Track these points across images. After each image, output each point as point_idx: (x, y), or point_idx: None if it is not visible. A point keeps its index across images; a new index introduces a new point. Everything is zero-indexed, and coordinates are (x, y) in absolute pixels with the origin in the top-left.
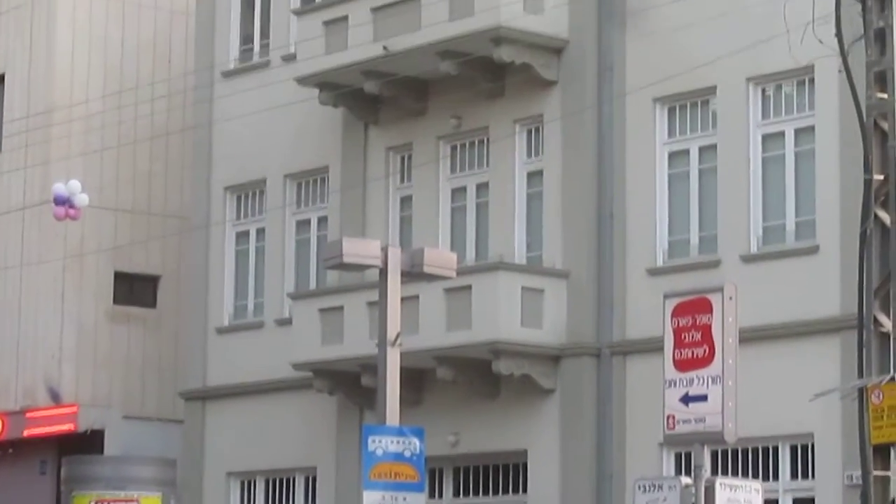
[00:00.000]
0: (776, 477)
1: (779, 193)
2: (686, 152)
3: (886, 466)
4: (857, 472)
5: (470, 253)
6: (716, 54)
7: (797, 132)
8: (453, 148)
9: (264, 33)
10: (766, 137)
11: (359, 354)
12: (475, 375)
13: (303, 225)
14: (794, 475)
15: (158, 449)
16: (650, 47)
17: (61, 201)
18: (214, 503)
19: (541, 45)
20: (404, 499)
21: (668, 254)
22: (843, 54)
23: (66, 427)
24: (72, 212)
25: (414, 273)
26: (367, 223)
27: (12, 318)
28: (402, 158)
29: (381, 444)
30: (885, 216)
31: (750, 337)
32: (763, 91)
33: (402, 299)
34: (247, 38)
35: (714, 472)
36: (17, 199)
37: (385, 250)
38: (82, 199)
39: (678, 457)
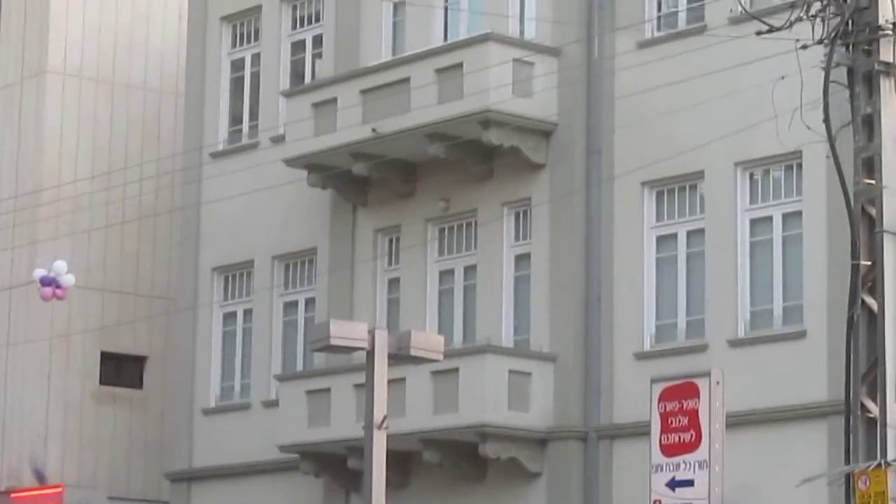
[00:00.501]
0: None
1: (766, 278)
2: (674, 236)
3: None
4: None
5: (457, 336)
6: (704, 139)
7: (785, 217)
8: (441, 230)
9: (253, 115)
10: (753, 222)
11: (345, 437)
12: (462, 458)
13: (290, 306)
14: None
15: None
16: (638, 131)
17: (47, 282)
18: None
19: (529, 129)
20: None
21: (655, 338)
22: (831, 140)
23: None
24: (58, 292)
25: (401, 356)
26: (355, 305)
27: None
28: (390, 240)
29: None
30: (872, 302)
31: (737, 422)
32: (751, 176)
33: (389, 382)
34: (236, 119)
35: None
36: (3, 278)
37: (372, 332)
38: (68, 279)
39: None
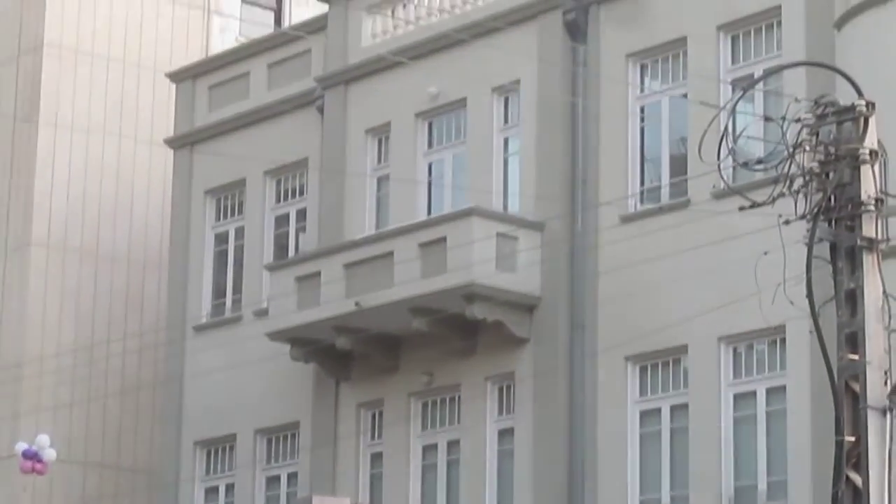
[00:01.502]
0: None
1: (750, 453)
2: (657, 411)
3: None
4: None
5: None
6: (687, 313)
7: (769, 392)
8: (424, 405)
9: (237, 288)
10: (737, 397)
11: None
12: None
13: (273, 481)
14: None
15: None
16: (622, 306)
17: (29, 455)
18: None
19: (513, 303)
20: None
21: None
22: (815, 315)
23: None
24: (38, 466)
25: None
26: (337, 479)
27: None
28: (373, 415)
29: None
30: (856, 478)
31: None
32: (734, 350)
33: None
34: (219, 292)
35: None
36: None
37: None
38: (50, 453)
39: None
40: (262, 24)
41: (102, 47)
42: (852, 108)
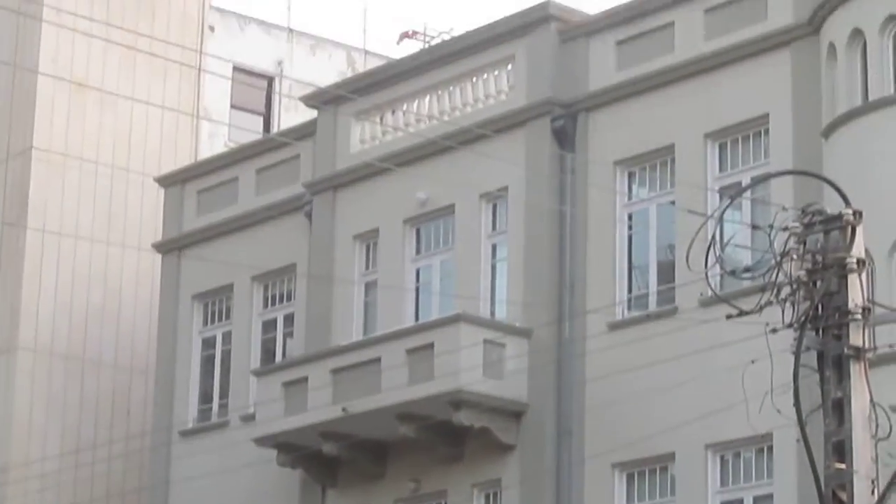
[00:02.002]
0: None
1: None
2: None
3: None
4: None
5: None
6: (675, 421)
7: (756, 500)
8: None
9: (223, 393)
10: None
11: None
12: None
13: None
14: None
15: None
16: (609, 413)
17: None
18: None
19: (500, 410)
20: None
21: None
22: (802, 424)
23: None
24: None
25: None
26: None
27: None
28: None
29: None
30: None
31: None
32: (722, 458)
33: None
34: (206, 397)
35: None
36: None
37: None
38: None
39: None
40: (250, 130)
41: (91, 152)
42: (839, 216)
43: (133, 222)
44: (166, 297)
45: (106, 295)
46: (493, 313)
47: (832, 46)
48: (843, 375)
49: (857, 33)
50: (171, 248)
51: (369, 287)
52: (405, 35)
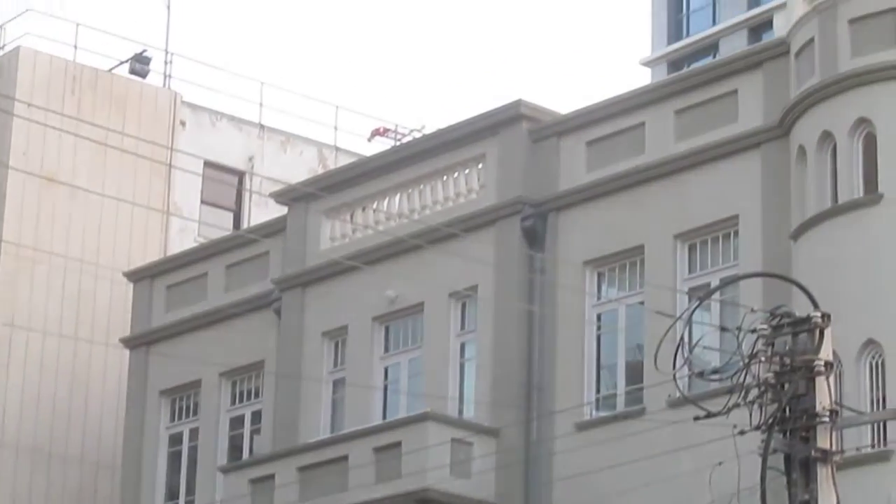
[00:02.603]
0: None
1: None
2: None
3: None
4: None
5: None
6: None
7: None
8: None
9: (190, 489)
10: None
11: None
12: None
13: None
14: None
15: None
16: None
17: None
18: None
19: None
20: None
21: None
22: None
23: None
24: None
25: None
26: None
27: None
28: None
29: None
30: None
31: None
32: None
33: None
34: (172, 493)
35: None
36: None
37: None
38: None
39: None
40: (219, 227)
41: (60, 246)
42: (808, 319)
43: (102, 317)
44: (133, 392)
45: (73, 389)
46: (461, 412)
47: (802, 149)
48: (810, 478)
49: (827, 136)
50: (139, 343)
51: (337, 384)
52: (377, 132)
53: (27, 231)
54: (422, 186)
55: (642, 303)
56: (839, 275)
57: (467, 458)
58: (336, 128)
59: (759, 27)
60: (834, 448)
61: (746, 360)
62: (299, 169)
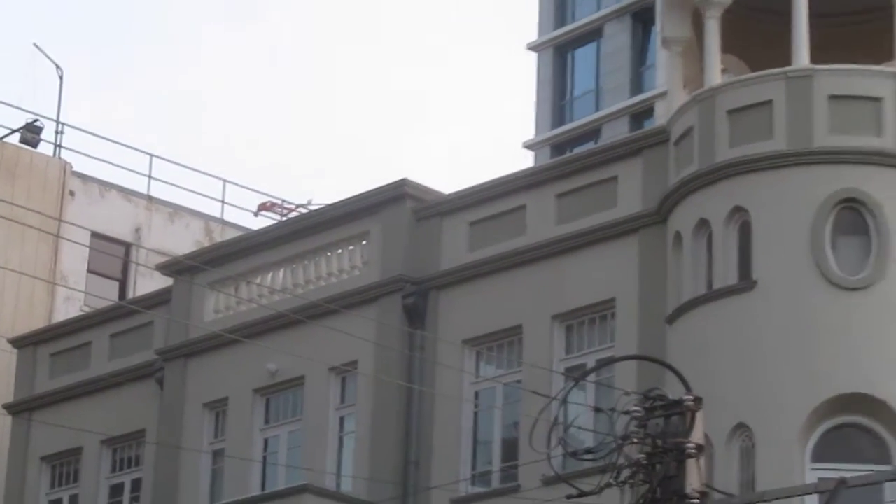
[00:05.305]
0: None
1: None
2: None
3: None
4: None
5: None
6: None
7: None
8: None
9: None
10: None
11: None
12: None
13: None
14: None
15: None
16: None
17: None
18: None
19: None
20: None
21: None
22: None
23: None
24: None
25: None
26: None
27: None
28: None
29: None
30: None
31: None
32: None
33: None
34: None
35: None
36: None
37: None
38: None
39: None
40: (104, 297)
41: None
42: (680, 402)
43: None
44: (14, 457)
45: None
46: (338, 485)
47: (679, 235)
48: None
49: (704, 223)
50: (21, 409)
51: (217, 455)
52: (263, 207)
53: None
54: (306, 262)
55: (519, 381)
56: (712, 359)
57: None
58: (223, 201)
59: (641, 114)
60: None
61: (619, 441)
62: (186, 241)
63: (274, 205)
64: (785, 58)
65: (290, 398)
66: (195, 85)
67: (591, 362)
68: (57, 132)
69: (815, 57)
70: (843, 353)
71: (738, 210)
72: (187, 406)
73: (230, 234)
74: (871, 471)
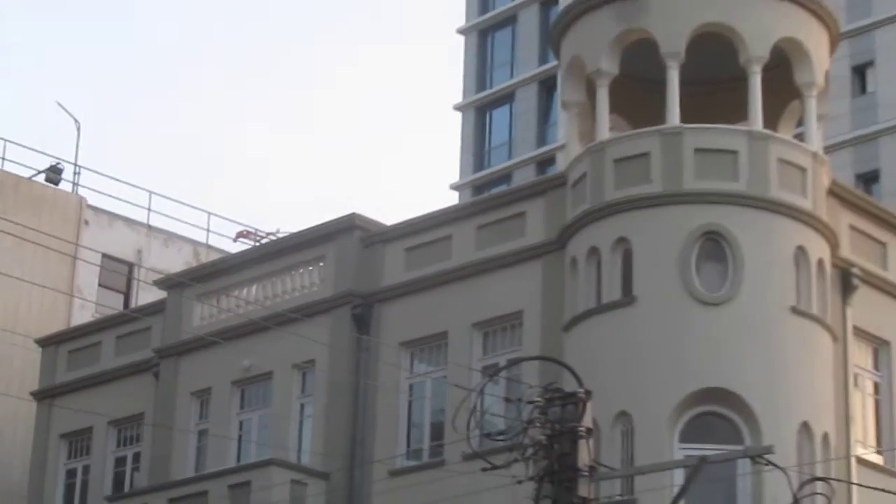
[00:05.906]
0: None
1: None
2: None
3: None
4: None
5: None
6: None
7: None
8: None
9: None
10: None
11: None
12: None
13: None
14: None
15: None
16: None
17: None
18: None
19: None
20: None
21: None
22: None
23: None
24: None
25: None
26: None
27: None
28: None
29: None
30: None
31: None
32: None
33: None
34: None
35: None
36: None
37: None
38: None
39: None
40: (113, 306)
41: None
42: (574, 394)
43: (16, 375)
44: (39, 435)
45: None
46: (299, 459)
47: (574, 260)
48: None
49: (594, 250)
50: (44, 396)
51: (202, 434)
52: (241, 234)
53: None
54: (274, 279)
55: (445, 377)
56: (600, 360)
57: (303, 496)
58: (208, 230)
59: (545, 162)
60: (591, 496)
61: (525, 425)
62: (178, 262)
63: (249, 233)
64: (660, 118)
65: (260, 389)
66: (188, 133)
67: (503, 361)
68: (75, 173)
69: (685, 117)
70: (705, 355)
71: (621, 240)
72: (178, 394)
73: (213, 256)
74: (727, 449)
